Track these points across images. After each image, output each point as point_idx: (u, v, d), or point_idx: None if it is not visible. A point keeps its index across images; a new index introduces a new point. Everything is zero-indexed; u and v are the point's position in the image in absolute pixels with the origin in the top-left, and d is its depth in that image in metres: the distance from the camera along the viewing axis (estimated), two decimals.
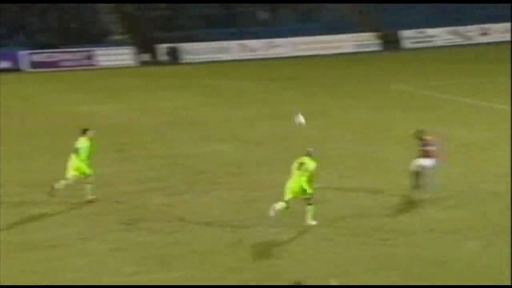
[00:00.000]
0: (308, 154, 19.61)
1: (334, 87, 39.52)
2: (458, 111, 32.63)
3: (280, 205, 19.40)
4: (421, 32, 53.79)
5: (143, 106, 35.45)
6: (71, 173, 21.56)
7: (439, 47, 52.83)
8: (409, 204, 21.22)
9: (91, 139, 21.83)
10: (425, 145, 21.60)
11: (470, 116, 31.60)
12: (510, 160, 23.77)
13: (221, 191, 22.67)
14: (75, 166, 21.52)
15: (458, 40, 54.16)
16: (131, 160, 26.23)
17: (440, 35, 54.03)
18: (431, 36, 53.94)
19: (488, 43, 53.46)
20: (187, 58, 49.18)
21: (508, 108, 31.83)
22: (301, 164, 19.38)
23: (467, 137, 28.35)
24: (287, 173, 23.85)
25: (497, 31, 54.71)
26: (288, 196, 19.33)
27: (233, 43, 50.49)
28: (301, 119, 21.89)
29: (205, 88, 40.08)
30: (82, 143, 21.68)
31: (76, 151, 21.57)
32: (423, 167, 21.44)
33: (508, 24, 54.80)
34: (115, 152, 27.21)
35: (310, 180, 19.50)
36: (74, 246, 18.73)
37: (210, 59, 49.29)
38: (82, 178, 21.69)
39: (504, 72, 42.28)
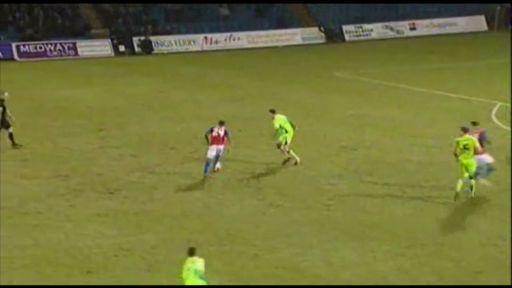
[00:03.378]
0: None
1: (284, 74, 39.56)
2: (389, 94, 32.91)
3: None
4: (360, 27, 53.97)
5: (119, 91, 35.19)
6: None
7: (374, 40, 53.04)
8: (349, 173, 21.43)
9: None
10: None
11: (399, 98, 31.90)
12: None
13: (189, 163, 22.66)
14: None
15: (391, 34, 54.43)
16: (110, 138, 26.07)
17: (376, 29, 54.25)
18: (368, 30, 54.11)
19: (416, 36, 53.86)
20: (158, 49, 48.85)
21: (429, 91, 32.21)
22: None
23: (398, 116, 28.65)
24: (247, 147, 23.88)
25: (423, 26, 55.30)
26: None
27: (199, 36, 50.29)
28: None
29: (174, 75, 39.87)
30: None
31: None
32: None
33: (431, 20, 55.33)
34: (95, 131, 27.01)
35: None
36: (62, 213, 18.64)
37: (178, 50, 49.06)
38: None
39: (426, 60, 42.72)
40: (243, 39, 51.24)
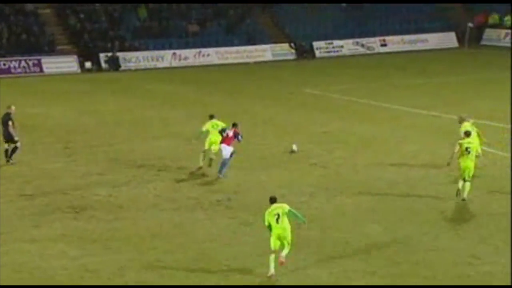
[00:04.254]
0: None
1: (256, 90, 39.60)
2: (360, 111, 33.04)
3: None
4: (330, 43, 54.30)
5: (86, 108, 34.93)
6: None
7: (345, 56, 53.37)
8: (320, 191, 21.42)
9: None
10: None
11: (370, 114, 32.04)
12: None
13: (158, 182, 22.51)
14: None
15: (361, 50, 54.82)
16: (76, 156, 25.82)
17: (346, 46, 54.60)
18: (339, 47, 54.44)
19: (387, 53, 54.29)
20: (126, 65, 48.61)
21: (400, 107, 32.39)
22: None
23: (369, 133, 28.75)
24: (218, 165, 23.79)
25: (394, 42, 55.80)
26: None
27: (167, 52, 50.18)
28: (294, 147, 25.30)
29: (142, 91, 39.70)
30: None
31: None
32: None
33: (402, 37, 55.88)
34: (61, 149, 26.76)
35: None
36: (26, 233, 18.37)
37: (146, 66, 48.87)
38: None
39: (398, 77, 43.04)
40: (213, 55, 51.27)
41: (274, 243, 15.75)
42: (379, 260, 16.55)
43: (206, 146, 23.49)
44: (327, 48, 54.47)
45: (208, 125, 23.69)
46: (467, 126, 21.89)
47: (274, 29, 55.62)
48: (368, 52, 54.79)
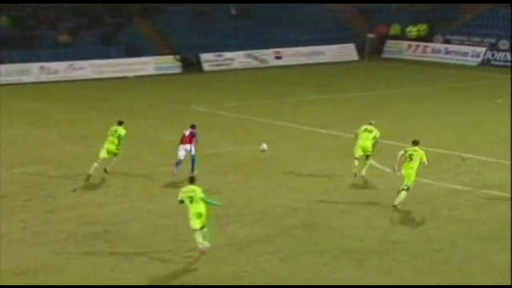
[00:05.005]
0: None
1: (137, 108, 39.29)
2: (254, 130, 33.31)
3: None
4: (219, 55, 54.60)
5: None
6: None
7: (236, 70, 53.82)
8: (213, 220, 21.43)
9: None
10: None
11: (265, 134, 32.30)
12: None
13: (25, 214, 21.96)
14: None
15: (254, 63, 55.36)
16: None
17: (238, 58, 55.05)
18: (229, 59, 54.84)
19: (282, 66, 55.04)
20: None
21: (298, 126, 32.88)
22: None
23: (264, 154, 28.97)
24: (93, 191, 23.46)
25: (289, 55, 56.56)
26: None
27: (34, 65, 49.21)
28: (265, 146, 26.37)
29: (5, 110, 38.71)
30: None
31: None
32: None
33: (298, 48, 56.84)
34: None
35: None
36: None
37: (10, 81, 47.73)
38: None
39: (294, 93, 43.72)
40: (87, 68, 50.63)
41: (193, 222, 18.55)
42: None
43: (104, 155, 25.27)
44: (216, 61, 54.78)
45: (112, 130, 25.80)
46: (362, 129, 26.07)
47: (157, 39, 55.54)
48: (262, 65, 55.45)
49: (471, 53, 56.24)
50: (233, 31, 57.29)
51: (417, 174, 22.79)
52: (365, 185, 25.09)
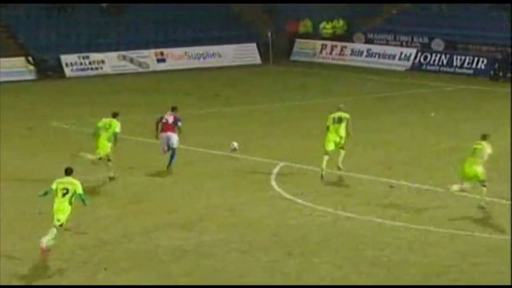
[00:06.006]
0: None
1: None
2: (130, 153, 32.98)
3: None
4: (86, 57, 54.13)
5: None
6: None
7: (108, 75, 53.49)
8: (74, 267, 21.19)
9: None
10: None
11: (145, 158, 32.15)
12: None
13: None
14: None
15: (131, 67, 55.08)
16: None
17: (110, 61, 54.65)
18: (99, 62, 54.46)
19: (166, 71, 54.95)
20: None
21: (188, 148, 32.86)
22: None
23: (147, 184, 28.86)
24: None
25: (176, 57, 56.38)
26: None
27: None
28: (235, 145, 30.04)
29: None
30: None
31: None
32: None
33: (186, 49, 56.85)
34: None
35: None
36: None
37: None
38: None
39: (184, 105, 43.56)
40: None
41: (60, 216, 21.16)
42: None
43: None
44: (81, 64, 54.43)
45: (100, 123, 28.71)
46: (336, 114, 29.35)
47: (3, 37, 54.63)
48: (141, 70, 55.37)
49: (399, 55, 57.40)
50: (104, 28, 57.01)
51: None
52: (270, 218, 25.17)
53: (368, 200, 27.02)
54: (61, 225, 21.32)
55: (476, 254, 22.25)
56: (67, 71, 53.75)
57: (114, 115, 29.12)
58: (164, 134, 29.06)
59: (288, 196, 27.21)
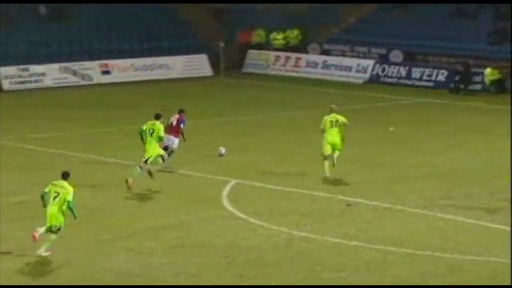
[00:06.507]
0: None
1: None
2: (76, 170, 32.80)
3: None
4: (25, 70, 53.83)
5: None
6: None
7: (49, 89, 53.20)
8: None
9: None
10: None
11: (91, 176, 32.05)
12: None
13: None
14: None
15: (74, 80, 54.83)
16: None
17: (51, 74, 54.35)
18: (39, 75, 54.15)
19: (111, 84, 54.74)
20: None
21: (136, 163, 32.83)
22: None
23: (90, 201, 28.70)
24: None
25: (121, 69, 56.20)
26: None
27: None
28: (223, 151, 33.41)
29: None
30: None
31: None
32: None
33: (132, 61, 56.72)
34: None
35: None
36: None
37: None
38: None
39: (131, 119, 43.53)
40: None
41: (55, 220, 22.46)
42: None
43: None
44: (19, 76, 54.10)
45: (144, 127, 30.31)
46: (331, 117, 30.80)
47: None
48: (84, 82, 55.15)
49: (356, 67, 57.63)
50: (43, 37, 56.70)
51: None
52: (221, 239, 25.15)
53: (324, 219, 27.12)
54: (58, 229, 22.71)
55: (436, 275, 22.40)
56: (5, 84, 53.39)
57: (157, 117, 30.42)
58: (167, 136, 30.89)
59: (240, 215, 27.24)
